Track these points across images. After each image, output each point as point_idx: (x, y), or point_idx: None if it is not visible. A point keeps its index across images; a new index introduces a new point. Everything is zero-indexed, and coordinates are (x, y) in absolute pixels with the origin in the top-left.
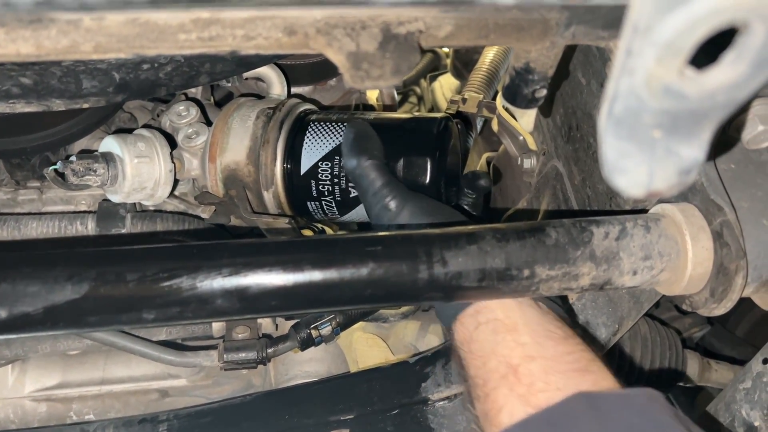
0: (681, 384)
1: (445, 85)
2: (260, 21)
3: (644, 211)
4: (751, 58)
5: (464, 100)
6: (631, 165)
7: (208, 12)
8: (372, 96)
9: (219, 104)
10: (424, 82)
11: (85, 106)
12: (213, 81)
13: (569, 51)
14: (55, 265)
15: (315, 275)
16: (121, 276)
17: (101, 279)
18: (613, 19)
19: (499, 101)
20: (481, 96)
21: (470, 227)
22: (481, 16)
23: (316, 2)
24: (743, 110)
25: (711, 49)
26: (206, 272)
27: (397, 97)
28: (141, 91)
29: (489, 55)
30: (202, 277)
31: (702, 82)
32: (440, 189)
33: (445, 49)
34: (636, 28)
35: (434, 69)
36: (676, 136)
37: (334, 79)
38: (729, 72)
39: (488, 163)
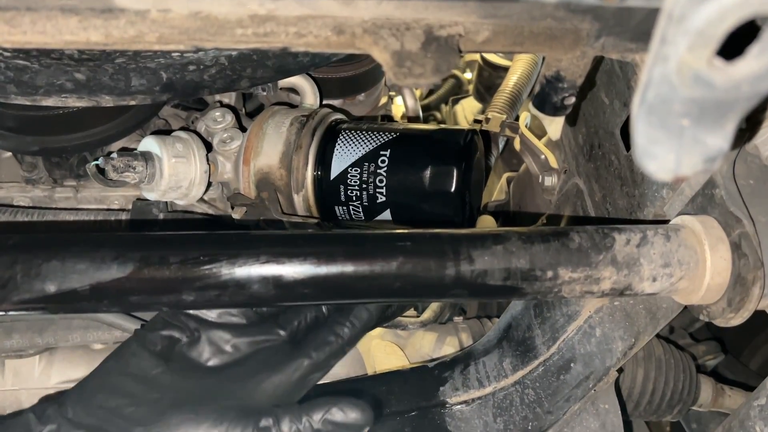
0: (694, 408)
1: (467, 108)
2: (312, 20)
3: (664, 222)
4: None
5: (487, 120)
6: (660, 151)
7: (265, 9)
8: (397, 112)
9: (250, 114)
10: (445, 107)
11: (132, 103)
12: (253, 86)
13: (596, 63)
14: (102, 246)
15: (347, 267)
16: (164, 258)
17: (145, 260)
18: (641, 33)
19: (522, 121)
20: (504, 116)
21: (497, 229)
22: (517, 24)
23: None
24: (761, 120)
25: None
26: (245, 258)
27: (421, 115)
28: (185, 91)
29: (513, 78)
30: (240, 262)
31: (729, 72)
32: (465, 198)
33: (468, 75)
34: (671, 17)
35: (455, 94)
36: (702, 125)
37: (363, 94)
38: (754, 64)
39: (508, 182)
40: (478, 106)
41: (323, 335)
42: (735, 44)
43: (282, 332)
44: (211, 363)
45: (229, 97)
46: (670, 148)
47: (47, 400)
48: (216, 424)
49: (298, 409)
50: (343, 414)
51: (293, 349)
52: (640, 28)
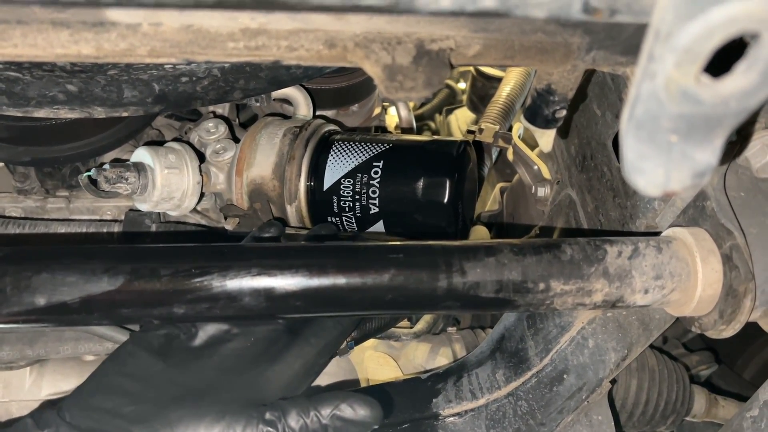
0: (688, 419)
1: (460, 119)
2: (303, 33)
3: (656, 234)
4: (761, 68)
5: (481, 130)
6: (649, 166)
7: (257, 23)
8: (391, 123)
9: (244, 125)
10: (439, 117)
11: (124, 114)
12: (246, 97)
13: (587, 76)
14: (93, 258)
15: (339, 279)
16: (155, 271)
17: (136, 273)
18: (631, 47)
19: (515, 132)
20: (497, 127)
21: (489, 241)
22: (508, 38)
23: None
24: (750, 136)
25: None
26: (236, 271)
27: (415, 125)
28: (178, 102)
29: (506, 89)
30: (232, 275)
31: (717, 88)
32: (458, 209)
33: (462, 86)
34: (658, 34)
35: (449, 104)
36: (691, 141)
37: (356, 105)
38: (741, 80)
39: (501, 193)
40: (471, 116)
41: (322, 322)
42: (724, 60)
43: (280, 321)
44: (210, 357)
45: (223, 108)
46: (658, 163)
47: (46, 406)
48: (218, 418)
49: (306, 402)
50: (353, 410)
51: (293, 337)
52: (631, 42)
